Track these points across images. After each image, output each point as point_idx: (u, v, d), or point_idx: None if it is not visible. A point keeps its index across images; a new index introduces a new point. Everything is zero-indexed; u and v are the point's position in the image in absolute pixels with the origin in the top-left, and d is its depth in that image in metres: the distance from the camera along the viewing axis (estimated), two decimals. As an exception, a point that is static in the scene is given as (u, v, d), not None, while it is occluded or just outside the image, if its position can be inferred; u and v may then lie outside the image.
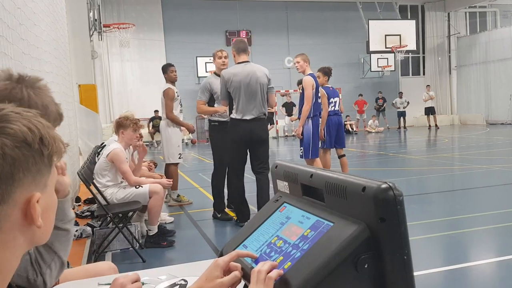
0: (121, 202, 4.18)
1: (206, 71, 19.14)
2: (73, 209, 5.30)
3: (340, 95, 7.18)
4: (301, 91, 6.10)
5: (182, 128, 6.20)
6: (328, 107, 6.71)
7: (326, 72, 6.89)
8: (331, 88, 6.94)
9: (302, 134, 5.96)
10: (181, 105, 6.25)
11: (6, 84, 1.19)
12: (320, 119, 6.22)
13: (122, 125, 4.23)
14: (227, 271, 1.05)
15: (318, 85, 6.09)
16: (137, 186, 4.19)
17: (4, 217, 0.66)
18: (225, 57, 5.42)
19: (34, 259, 1.35)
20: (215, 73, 5.51)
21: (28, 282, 1.33)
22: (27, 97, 1.19)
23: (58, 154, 0.72)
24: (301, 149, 6.06)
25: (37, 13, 3.90)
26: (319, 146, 6.86)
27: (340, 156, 6.85)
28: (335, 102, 6.89)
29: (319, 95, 6.26)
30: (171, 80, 6.06)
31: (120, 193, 4.19)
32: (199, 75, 19.18)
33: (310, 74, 5.99)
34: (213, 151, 5.48)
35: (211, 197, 6.40)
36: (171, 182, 4.70)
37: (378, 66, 20.97)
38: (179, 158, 6.06)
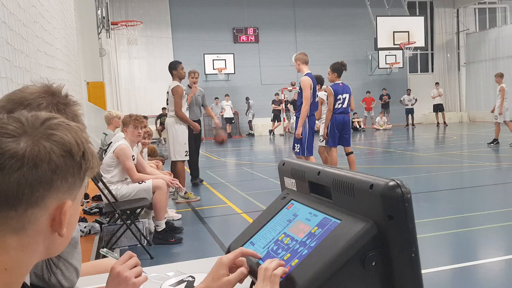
0: (125, 197, 4.20)
1: (214, 68, 19.10)
2: (82, 205, 5.34)
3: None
4: (299, 90, 6.12)
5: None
6: (335, 104, 6.64)
7: (335, 68, 6.67)
8: (341, 84, 6.68)
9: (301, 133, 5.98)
10: (187, 102, 6.25)
11: (43, 98, 1.24)
12: (315, 119, 6.26)
13: (124, 123, 4.40)
14: (232, 268, 1.06)
15: (315, 84, 6.11)
16: (140, 182, 4.23)
17: (33, 220, 0.68)
18: (196, 78, 6.71)
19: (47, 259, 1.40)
20: (188, 85, 6.75)
21: (44, 281, 1.40)
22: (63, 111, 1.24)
23: (92, 171, 0.75)
24: (297, 146, 6.05)
25: (50, 11, 3.93)
26: (324, 144, 6.86)
27: (348, 154, 6.81)
28: (344, 98, 6.66)
29: (317, 94, 6.29)
30: (181, 77, 6.05)
31: (123, 189, 4.23)
32: (206, 72, 19.17)
33: (307, 74, 5.94)
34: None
35: (218, 194, 6.44)
36: (175, 182, 4.45)
37: (386, 63, 20.83)
38: (186, 155, 6.05)
